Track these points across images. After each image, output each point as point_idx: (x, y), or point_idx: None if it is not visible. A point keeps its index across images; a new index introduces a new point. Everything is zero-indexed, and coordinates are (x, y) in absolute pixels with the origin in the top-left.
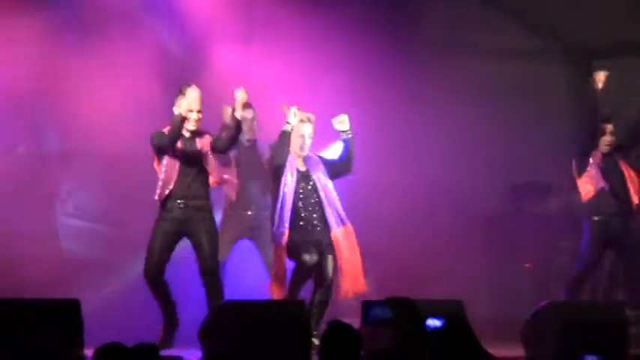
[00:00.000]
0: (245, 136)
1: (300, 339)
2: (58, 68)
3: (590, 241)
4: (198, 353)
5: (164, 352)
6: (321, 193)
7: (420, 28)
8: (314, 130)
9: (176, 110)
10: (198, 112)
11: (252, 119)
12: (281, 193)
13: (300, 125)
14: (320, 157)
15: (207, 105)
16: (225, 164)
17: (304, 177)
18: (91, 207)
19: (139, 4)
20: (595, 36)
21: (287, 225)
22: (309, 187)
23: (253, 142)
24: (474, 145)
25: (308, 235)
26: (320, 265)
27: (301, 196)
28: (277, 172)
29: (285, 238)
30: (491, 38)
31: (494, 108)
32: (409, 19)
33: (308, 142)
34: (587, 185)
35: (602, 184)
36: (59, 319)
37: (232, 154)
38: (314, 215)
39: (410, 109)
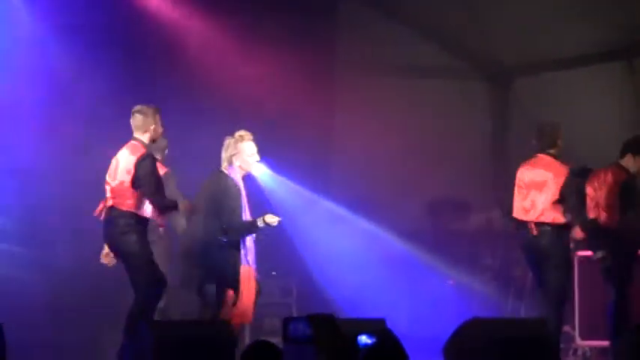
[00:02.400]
0: None
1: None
2: None
3: None
4: None
5: None
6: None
7: (335, 48)
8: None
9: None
10: None
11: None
12: (245, 216)
13: (247, 144)
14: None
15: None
16: None
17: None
18: (12, 229)
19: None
20: (508, 52)
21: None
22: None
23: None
24: (392, 162)
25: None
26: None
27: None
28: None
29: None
30: (405, 56)
31: (411, 124)
32: (322, 38)
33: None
34: None
35: None
36: None
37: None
38: None
39: (326, 128)
